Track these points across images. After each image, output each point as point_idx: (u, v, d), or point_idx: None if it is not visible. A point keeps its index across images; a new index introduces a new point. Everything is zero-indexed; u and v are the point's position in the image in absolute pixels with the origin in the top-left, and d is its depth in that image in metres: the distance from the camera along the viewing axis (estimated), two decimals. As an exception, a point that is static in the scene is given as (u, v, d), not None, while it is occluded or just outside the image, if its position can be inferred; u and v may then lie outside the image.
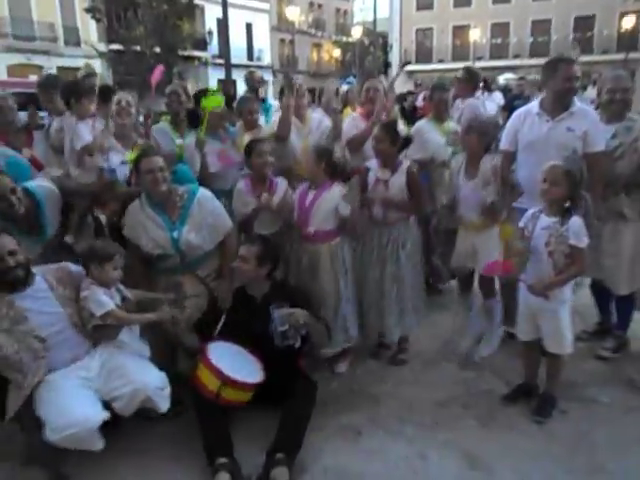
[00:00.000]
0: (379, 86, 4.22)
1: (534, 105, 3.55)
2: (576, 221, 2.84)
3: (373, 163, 3.62)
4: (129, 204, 3.23)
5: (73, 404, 2.48)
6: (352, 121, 4.24)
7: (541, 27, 32.27)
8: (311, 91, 6.33)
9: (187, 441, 2.90)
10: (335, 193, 3.44)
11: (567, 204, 2.90)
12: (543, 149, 3.36)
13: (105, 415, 2.52)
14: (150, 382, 2.66)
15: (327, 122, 4.26)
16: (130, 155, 3.37)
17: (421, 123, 4.51)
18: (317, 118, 4.33)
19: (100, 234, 3.32)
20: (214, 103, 3.90)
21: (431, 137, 4.35)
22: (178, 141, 3.99)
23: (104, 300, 2.66)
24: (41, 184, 3.18)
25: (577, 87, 3.45)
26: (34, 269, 2.70)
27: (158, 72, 4.04)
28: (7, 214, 2.90)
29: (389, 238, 3.58)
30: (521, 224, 3.06)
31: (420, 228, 3.77)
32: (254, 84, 5.32)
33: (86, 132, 3.35)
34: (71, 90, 3.48)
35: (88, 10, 21.48)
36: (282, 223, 3.60)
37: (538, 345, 3.13)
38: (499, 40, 33.34)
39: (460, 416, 3.15)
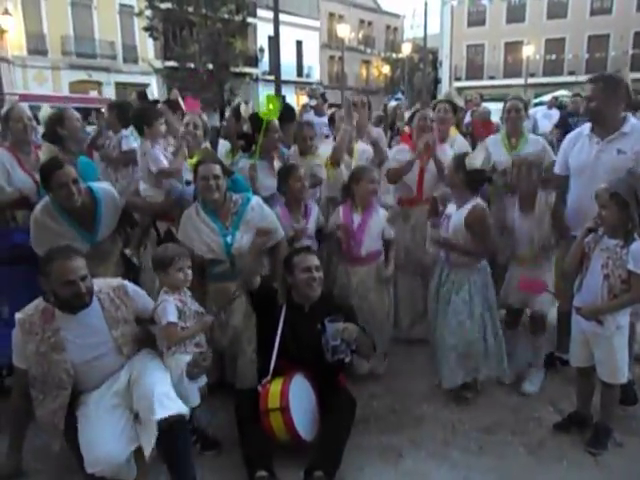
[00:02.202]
0: (431, 115, 4.11)
1: (586, 126, 3.38)
2: (638, 246, 2.71)
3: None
4: None
5: (101, 440, 2.46)
6: (399, 153, 4.14)
7: (598, 43, 31.36)
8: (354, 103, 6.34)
9: (227, 453, 2.90)
10: (381, 215, 3.60)
11: (630, 227, 2.76)
12: (592, 173, 3.19)
13: (129, 450, 2.49)
14: (156, 388, 2.52)
15: (370, 152, 4.25)
16: (192, 160, 3.47)
17: (490, 138, 4.26)
18: (362, 148, 4.29)
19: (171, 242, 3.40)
20: (272, 109, 3.78)
21: (494, 155, 4.00)
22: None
23: (170, 310, 2.69)
24: (104, 187, 3.35)
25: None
26: (94, 282, 2.67)
27: (192, 105, 4.08)
28: (65, 204, 3.05)
29: (447, 279, 3.41)
30: (583, 239, 2.91)
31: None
32: (315, 97, 5.37)
33: (161, 156, 3.47)
34: (142, 117, 3.60)
35: (146, 29, 22.38)
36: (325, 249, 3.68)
37: (592, 373, 2.99)
38: (553, 56, 32.60)
39: (507, 443, 3.02)
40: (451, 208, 3.43)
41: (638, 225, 2.74)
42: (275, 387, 2.82)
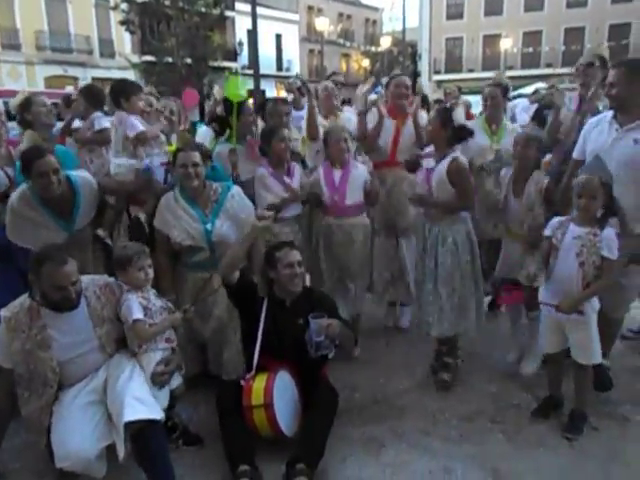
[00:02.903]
0: (409, 83, 4.18)
1: (609, 112, 3.25)
2: (610, 232, 2.78)
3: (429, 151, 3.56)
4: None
5: (71, 435, 2.45)
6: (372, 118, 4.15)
7: (574, 35, 31.74)
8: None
9: (210, 447, 2.91)
10: (361, 169, 3.78)
11: (599, 214, 2.82)
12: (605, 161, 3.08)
13: (100, 446, 2.47)
14: (128, 391, 2.50)
15: (354, 120, 4.31)
16: (171, 146, 3.45)
17: (471, 122, 4.32)
18: (347, 117, 4.48)
19: (139, 232, 3.37)
20: (237, 91, 3.84)
21: (475, 139, 4.16)
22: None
23: (135, 308, 2.66)
24: (82, 175, 3.30)
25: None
26: (82, 278, 2.64)
27: (192, 96, 4.08)
28: (44, 193, 3.02)
29: (430, 232, 3.46)
30: (547, 232, 2.98)
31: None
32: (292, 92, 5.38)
33: (138, 123, 3.44)
34: (121, 89, 3.55)
35: (123, 23, 22.03)
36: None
37: (562, 357, 3.07)
38: (530, 49, 32.92)
39: (487, 430, 3.07)
40: (429, 163, 3.46)
41: (610, 215, 2.81)
42: (259, 383, 2.81)
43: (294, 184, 3.75)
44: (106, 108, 4.15)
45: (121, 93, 3.50)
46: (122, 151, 3.49)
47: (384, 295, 4.29)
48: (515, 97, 12.92)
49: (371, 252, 3.99)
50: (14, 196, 3.12)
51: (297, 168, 3.85)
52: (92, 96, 4.17)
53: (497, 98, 4.15)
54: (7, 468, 2.78)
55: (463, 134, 3.39)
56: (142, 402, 2.48)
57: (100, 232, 3.34)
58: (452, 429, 3.09)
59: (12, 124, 4.13)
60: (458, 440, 2.99)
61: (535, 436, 3.00)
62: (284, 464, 2.65)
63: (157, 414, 2.50)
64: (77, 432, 2.46)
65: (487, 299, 4.19)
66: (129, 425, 2.40)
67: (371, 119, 4.09)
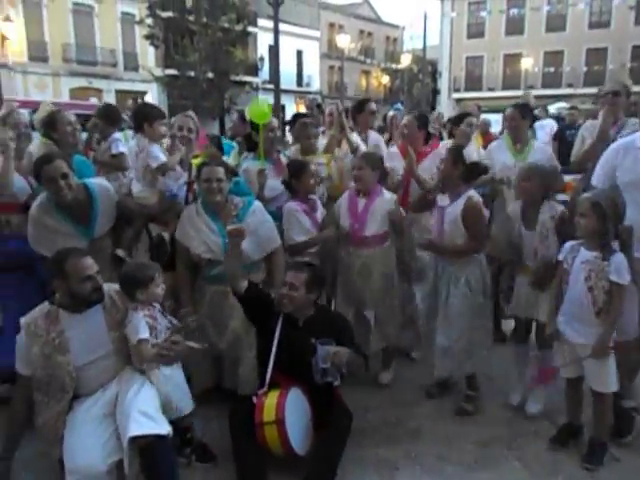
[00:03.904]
0: (413, 122, 4.10)
1: (636, 137, 3.18)
2: (618, 257, 2.74)
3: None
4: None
5: (82, 448, 2.45)
6: (389, 158, 4.16)
7: (597, 56, 31.58)
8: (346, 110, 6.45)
9: (221, 463, 2.88)
10: (386, 198, 3.62)
11: (606, 239, 2.76)
12: None
13: (110, 461, 2.46)
14: (135, 406, 2.48)
15: (363, 147, 4.32)
16: (196, 160, 3.47)
17: (494, 143, 4.31)
18: (375, 138, 4.48)
19: (162, 251, 3.38)
20: (263, 115, 3.82)
21: (499, 157, 4.15)
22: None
23: (141, 328, 2.63)
24: (100, 182, 3.35)
25: None
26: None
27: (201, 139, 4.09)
28: (56, 198, 3.06)
29: (443, 272, 3.40)
30: (560, 257, 2.94)
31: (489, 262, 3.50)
32: (312, 109, 5.41)
33: (160, 152, 3.45)
34: (145, 114, 3.57)
35: (147, 37, 22.47)
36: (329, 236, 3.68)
37: (581, 383, 3.00)
38: (552, 69, 32.81)
39: (503, 457, 3.00)
40: (442, 200, 3.42)
41: (613, 238, 2.75)
42: (271, 400, 2.79)
43: (318, 218, 3.71)
44: (123, 125, 4.23)
45: (145, 118, 3.52)
46: (143, 178, 3.53)
47: (398, 340, 3.99)
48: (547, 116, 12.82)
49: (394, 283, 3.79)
50: (34, 205, 3.17)
51: (317, 201, 3.79)
52: (108, 116, 4.26)
53: (516, 120, 4.10)
54: (18, 478, 2.77)
55: (476, 171, 3.38)
56: (148, 417, 2.47)
57: (120, 252, 3.35)
58: (467, 454, 3.03)
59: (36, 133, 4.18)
60: (473, 466, 2.93)
61: (553, 465, 2.92)
62: (295, 485, 2.61)
63: (164, 429, 2.49)
64: (88, 446, 2.46)
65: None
66: (136, 440, 2.40)
67: (387, 158, 4.09)
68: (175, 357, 2.71)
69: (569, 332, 2.89)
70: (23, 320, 2.62)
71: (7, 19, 19.55)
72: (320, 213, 3.74)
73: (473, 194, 3.33)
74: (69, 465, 2.45)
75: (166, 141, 3.72)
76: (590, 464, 2.87)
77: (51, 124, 3.84)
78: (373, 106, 4.59)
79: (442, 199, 3.43)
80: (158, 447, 2.45)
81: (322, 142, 4.38)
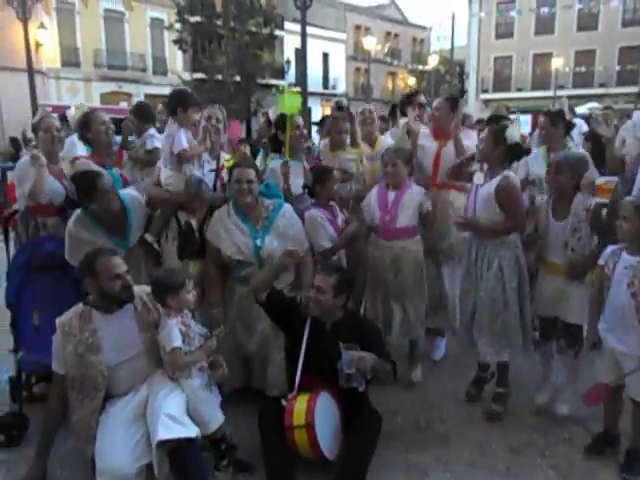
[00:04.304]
0: (445, 105, 4.08)
1: None
2: None
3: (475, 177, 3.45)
4: (215, 210, 3.39)
5: (113, 450, 2.49)
6: (422, 137, 4.14)
7: (630, 55, 30.80)
8: (382, 118, 6.39)
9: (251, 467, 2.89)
10: (415, 191, 3.65)
11: None
12: None
13: (140, 464, 2.49)
14: (164, 410, 2.50)
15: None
16: (228, 162, 3.50)
17: (532, 154, 4.18)
18: (387, 142, 4.36)
19: (191, 238, 3.39)
20: (292, 106, 3.84)
21: (534, 170, 4.08)
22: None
23: (174, 336, 2.64)
24: (130, 193, 3.42)
25: None
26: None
27: (236, 128, 4.12)
28: (99, 214, 3.14)
29: (477, 255, 3.36)
30: (601, 262, 2.87)
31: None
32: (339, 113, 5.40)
33: (184, 139, 3.45)
34: (180, 99, 3.56)
35: (176, 42, 22.79)
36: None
37: (620, 391, 2.90)
38: (583, 68, 32.14)
39: (536, 465, 2.94)
40: (478, 178, 3.38)
41: None
42: (301, 404, 2.79)
43: (339, 224, 3.68)
44: (158, 125, 4.28)
45: (180, 103, 3.50)
46: (169, 163, 3.54)
47: (424, 321, 4.09)
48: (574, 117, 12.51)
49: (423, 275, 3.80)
50: (71, 221, 3.24)
51: (335, 206, 3.75)
52: (142, 114, 4.34)
53: (546, 128, 4.08)
54: (54, 475, 2.83)
55: (517, 152, 3.30)
56: (176, 421, 2.49)
57: (148, 237, 3.39)
58: (499, 461, 2.97)
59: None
60: (505, 474, 2.88)
61: (589, 474, 2.85)
62: (325, 487, 2.61)
63: (192, 432, 2.51)
64: (119, 448, 2.49)
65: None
66: (164, 443, 2.43)
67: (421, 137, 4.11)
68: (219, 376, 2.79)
69: (611, 340, 2.81)
70: (58, 320, 2.69)
71: (41, 26, 20.04)
72: (340, 219, 3.72)
73: (509, 174, 3.26)
74: (100, 466, 2.49)
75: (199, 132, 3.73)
76: (628, 474, 2.79)
77: (85, 124, 3.93)
78: (422, 98, 4.55)
79: (478, 177, 3.39)
80: (187, 449, 2.48)
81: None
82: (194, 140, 3.57)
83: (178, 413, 2.53)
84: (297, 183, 3.86)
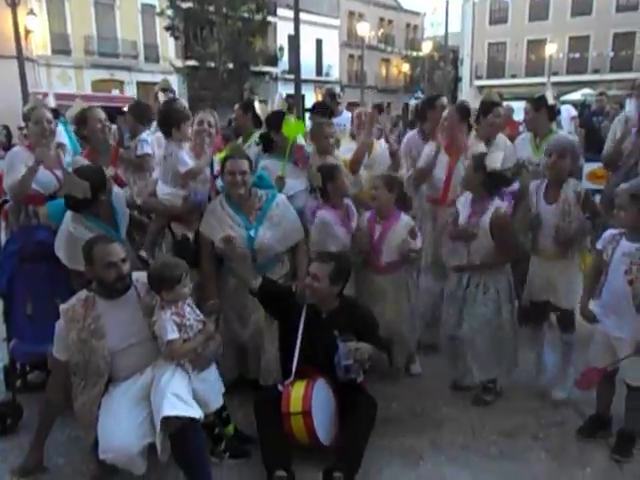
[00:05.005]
0: (455, 115, 3.93)
1: None
2: None
3: (463, 199, 3.41)
4: None
5: (117, 429, 2.50)
6: (431, 154, 4.01)
7: (624, 40, 30.76)
8: (378, 106, 6.34)
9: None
10: (402, 226, 3.47)
11: None
12: None
13: (144, 443, 2.51)
14: (169, 389, 2.52)
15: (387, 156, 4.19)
16: (220, 154, 3.47)
17: (519, 138, 4.28)
18: (381, 149, 4.24)
19: (185, 250, 3.34)
20: (297, 131, 3.78)
21: (523, 153, 4.11)
22: None
23: (168, 329, 2.62)
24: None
25: None
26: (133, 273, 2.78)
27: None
28: (93, 210, 3.10)
29: (470, 281, 3.34)
30: (599, 246, 2.88)
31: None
32: (331, 101, 5.33)
33: (187, 158, 3.44)
34: (171, 118, 3.52)
35: (168, 28, 22.58)
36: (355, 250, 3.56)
37: (614, 376, 2.93)
38: (577, 54, 32.09)
39: (529, 447, 2.98)
40: (461, 202, 3.38)
41: None
42: (297, 390, 2.80)
43: (353, 225, 3.59)
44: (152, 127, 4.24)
45: (173, 122, 3.48)
46: (170, 181, 3.50)
47: (421, 337, 3.98)
48: (562, 103, 12.58)
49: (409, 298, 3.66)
50: (68, 222, 3.12)
51: (352, 207, 3.66)
52: (139, 113, 4.29)
53: (529, 113, 4.15)
54: (50, 462, 2.84)
55: (501, 181, 3.32)
56: (182, 400, 2.51)
57: (142, 254, 3.37)
58: (492, 445, 3.01)
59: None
60: (498, 456, 2.91)
61: (581, 456, 2.89)
62: (320, 472, 2.63)
63: (196, 413, 2.52)
64: (123, 426, 2.51)
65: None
66: (168, 421, 2.43)
67: (427, 151, 3.99)
68: (208, 360, 2.75)
69: (607, 324, 2.84)
70: (62, 307, 2.69)
71: (30, 12, 19.78)
72: (355, 220, 3.61)
73: (500, 205, 3.27)
74: (103, 444, 2.50)
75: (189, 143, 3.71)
76: (620, 456, 2.83)
77: (82, 121, 3.88)
78: (444, 101, 4.32)
79: (461, 201, 3.38)
80: (189, 430, 2.49)
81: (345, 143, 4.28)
82: (192, 155, 3.54)
83: (183, 393, 2.55)
84: (290, 184, 3.77)
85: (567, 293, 3.32)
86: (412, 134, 4.55)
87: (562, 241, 3.25)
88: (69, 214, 3.14)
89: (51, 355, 2.73)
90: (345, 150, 4.15)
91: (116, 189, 3.39)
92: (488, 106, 4.04)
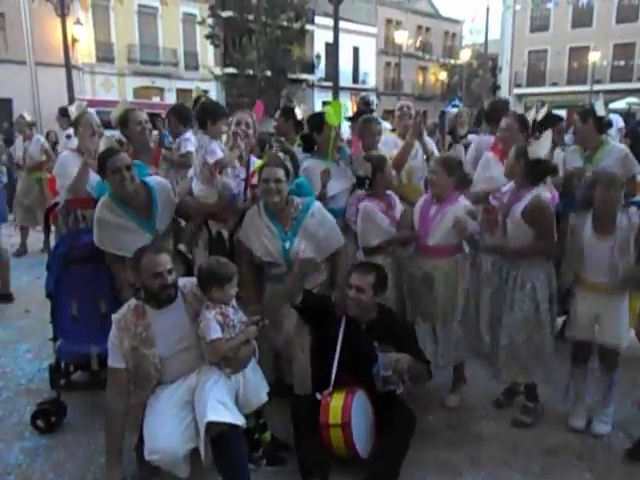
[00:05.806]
0: (514, 125, 3.87)
1: None
2: None
3: (505, 188, 3.34)
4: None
5: (163, 431, 2.52)
6: (486, 169, 4.01)
7: (671, 48, 29.83)
8: (423, 113, 6.31)
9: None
10: (460, 207, 3.32)
11: None
12: None
13: (188, 447, 2.53)
14: (213, 395, 2.54)
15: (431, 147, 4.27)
16: (258, 162, 3.50)
17: (569, 149, 4.15)
18: (416, 150, 4.29)
19: (221, 247, 3.41)
20: (339, 111, 3.78)
21: (572, 164, 4.02)
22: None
23: (212, 328, 2.65)
24: (157, 179, 3.44)
25: None
26: (179, 280, 2.80)
27: (259, 108, 4.09)
28: (119, 190, 3.13)
29: (508, 275, 3.22)
30: None
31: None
32: (365, 109, 5.34)
33: (218, 149, 3.48)
34: (210, 112, 3.59)
35: (208, 36, 23.02)
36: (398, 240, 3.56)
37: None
38: (622, 62, 31.22)
39: (572, 467, 2.88)
40: (506, 188, 3.30)
41: None
42: (337, 402, 2.78)
43: (397, 215, 3.57)
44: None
45: (210, 115, 3.53)
46: (199, 174, 3.54)
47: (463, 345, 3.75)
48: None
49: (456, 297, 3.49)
50: (98, 207, 3.24)
51: (395, 197, 3.66)
52: (181, 114, 4.40)
53: (577, 125, 4.04)
54: (94, 462, 2.89)
55: (543, 169, 3.17)
56: (225, 406, 2.53)
57: (182, 247, 3.43)
58: (534, 462, 2.92)
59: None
60: (541, 475, 2.83)
61: (627, 478, 2.77)
62: (357, 483, 2.60)
63: (238, 420, 2.54)
64: (169, 429, 2.53)
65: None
66: (211, 427, 2.45)
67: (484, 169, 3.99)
68: (242, 364, 2.74)
69: None
70: (114, 316, 2.72)
71: (77, 22, 20.47)
72: (398, 211, 3.60)
73: (539, 192, 3.13)
74: (150, 445, 2.52)
75: (224, 138, 3.75)
76: (669, 481, 2.70)
77: (124, 122, 4.00)
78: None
79: (506, 188, 3.30)
80: (231, 437, 2.51)
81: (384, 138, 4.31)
82: (226, 149, 3.57)
83: (226, 400, 2.57)
84: (332, 185, 3.79)
85: (615, 329, 3.12)
86: (486, 138, 4.45)
87: (626, 279, 3.02)
88: (102, 198, 3.24)
89: (109, 367, 2.72)
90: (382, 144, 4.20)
91: (162, 181, 3.43)
92: (553, 120, 4.00)
